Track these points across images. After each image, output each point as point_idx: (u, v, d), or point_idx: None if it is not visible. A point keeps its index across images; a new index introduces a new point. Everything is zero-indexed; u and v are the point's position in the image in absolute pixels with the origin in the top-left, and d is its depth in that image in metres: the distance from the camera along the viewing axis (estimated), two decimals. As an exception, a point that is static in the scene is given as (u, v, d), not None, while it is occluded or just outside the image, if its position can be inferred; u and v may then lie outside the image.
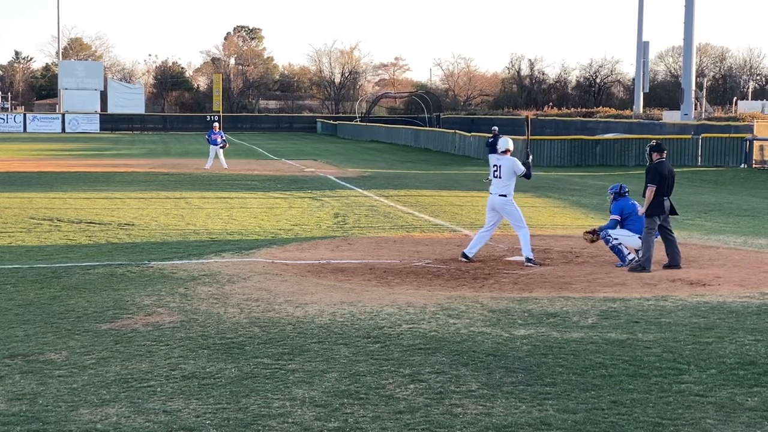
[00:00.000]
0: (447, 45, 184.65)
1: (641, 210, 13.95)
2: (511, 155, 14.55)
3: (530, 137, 16.02)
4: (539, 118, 67.02)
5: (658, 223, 13.79)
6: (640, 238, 13.90)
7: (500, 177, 14.35)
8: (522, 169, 14.36)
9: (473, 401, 7.30)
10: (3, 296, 11.51)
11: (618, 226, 14.29)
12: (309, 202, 23.82)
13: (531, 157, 15.13)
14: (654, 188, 13.69)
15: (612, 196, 14.67)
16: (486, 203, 15.00)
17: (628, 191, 14.72)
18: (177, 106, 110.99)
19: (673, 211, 14.06)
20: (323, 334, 9.55)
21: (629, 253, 14.08)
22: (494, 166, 14.52)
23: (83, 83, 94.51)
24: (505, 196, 14.33)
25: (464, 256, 14.47)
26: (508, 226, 15.80)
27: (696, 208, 23.00)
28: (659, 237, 13.97)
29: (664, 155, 14.22)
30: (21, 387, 7.67)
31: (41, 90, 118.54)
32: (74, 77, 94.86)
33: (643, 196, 13.92)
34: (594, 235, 14.65)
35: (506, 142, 14.77)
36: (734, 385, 7.76)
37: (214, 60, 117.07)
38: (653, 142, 14.55)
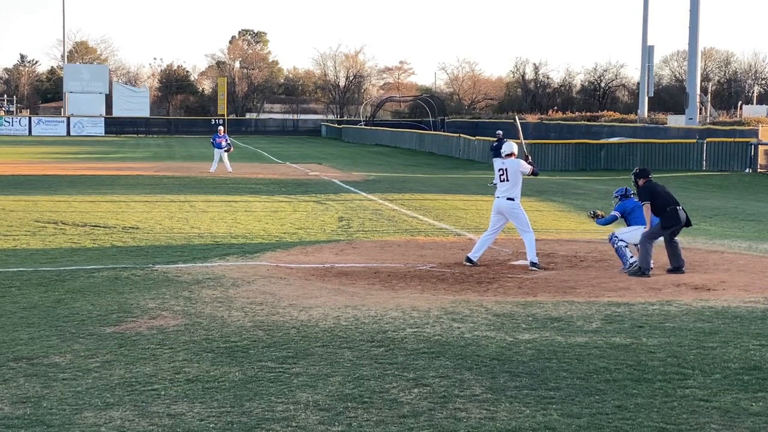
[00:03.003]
0: (452, 49, 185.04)
1: (646, 229, 13.85)
2: (515, 158, 14.59)
3: (524, 141, 16.07)
4: (543, 122, 66.99)
5: (668, 232, 13.80)
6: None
7: (507, 180, 14.38)
8: (528, 168, 14.41)
9: (477, 405, 7.29)
10: (8, 299, 11.53)
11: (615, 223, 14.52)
12: (313, 206, 23.83)
13: (530, 158, 15.16)
14: (648, 204, 13.78)
15: (618, 199, 14.71)
16: (491, 206, 15.01)
17: (633, 193, 14.74)
18: (182, 109, 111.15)
19: (688, 223, 14.07)
20: (327, 337, 9.55)
21: (632, 256, 14.07)
22: (500, 170, 14.56)
23: (88, 87, 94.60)
24: (512, 199, 14.34)
25: (468, 260, 14.47)
26: (513, 230, 15.80)
27: (701, 212, 22.96)
28: (660, 241, 13.98)
29: (650, 178, 14.25)
30: (25, 390, 7.68)
31: (46, 93, 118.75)
32: (79, 81, 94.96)
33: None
34: (594, 216, 14.88)
35: (510, 145, 14.83)
36: (739, 390, 7.75)
37: (218, 63, 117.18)
38: (636, 169, 14.65)
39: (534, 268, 14.06)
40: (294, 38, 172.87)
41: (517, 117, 16.11)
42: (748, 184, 33.96)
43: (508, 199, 14.37)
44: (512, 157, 14.54)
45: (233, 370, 8.30)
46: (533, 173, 14.61)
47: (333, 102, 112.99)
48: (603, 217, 14.81)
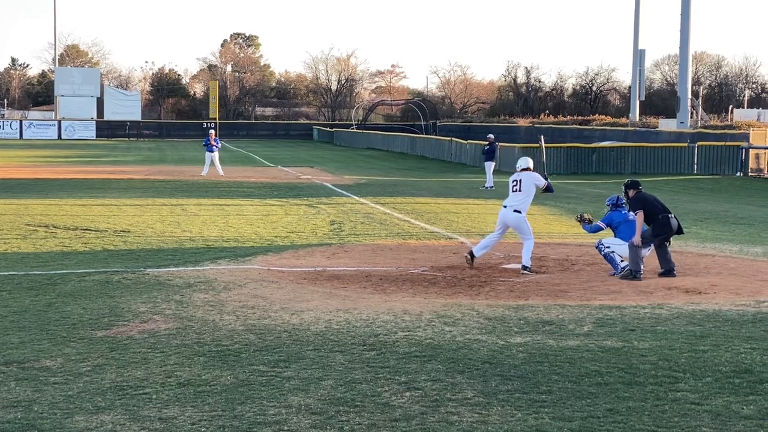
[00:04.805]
0: (443, 52, 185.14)
1: (636, 238, 13.79)
2: (531, 171, 14.72)
3: (545, 158, 15.99)
4: (535, 125, 67.09)
5: (658, 239, 13.83)
6: None
7: (520, 190, 14.40)
8: (544, 181, 14.55)
9: (469, 409, 7.29)
10: (-2, 303, 11.49)
11: (600, 232, 14.53)
12: (305, 210, 23.81)
13: (548, 180, 15.21)
14: (641, 213, 13.78)
15: (609, 208, 14.73)
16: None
17: (624, 203, 14.75)
18: (173, 113, 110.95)
19: (680, 230, 14.10)
20: (319, 341, 9.55)
21: (622, 261, 14.09)
22: (514, 181, 14.60)
23: (79, 90, 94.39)
24: (519, 212, 14.38)
25: (471, 254, 14.52)
26: (507, 235, 15.80)
27: (692, 216, 23.02)
28: (651, 246, 13.99)
29: (640, 188, 14.29)
30: (16, 394, 7.65)
31: (37, 97, 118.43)
32: (70, 84, 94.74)
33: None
34: (581, 220, 14.93)
35: (526, 161, 14.94)
36: (730, 393, 7.77)
37: (210, 67, 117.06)
38: (627, 181, 14.69)
39: (525, 272, 14.08)
40: (286, 42, 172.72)
41: (542, 138, 16.06)
42: (739, 188, 34.06)
43: (515, 211, 14.39)
44: (528, 171, 14.63)
45: (225, 373, 8.29)
46: (549, 189, 14.75)
47: (325, 105, 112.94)
48: (591, 222, 14.80)
